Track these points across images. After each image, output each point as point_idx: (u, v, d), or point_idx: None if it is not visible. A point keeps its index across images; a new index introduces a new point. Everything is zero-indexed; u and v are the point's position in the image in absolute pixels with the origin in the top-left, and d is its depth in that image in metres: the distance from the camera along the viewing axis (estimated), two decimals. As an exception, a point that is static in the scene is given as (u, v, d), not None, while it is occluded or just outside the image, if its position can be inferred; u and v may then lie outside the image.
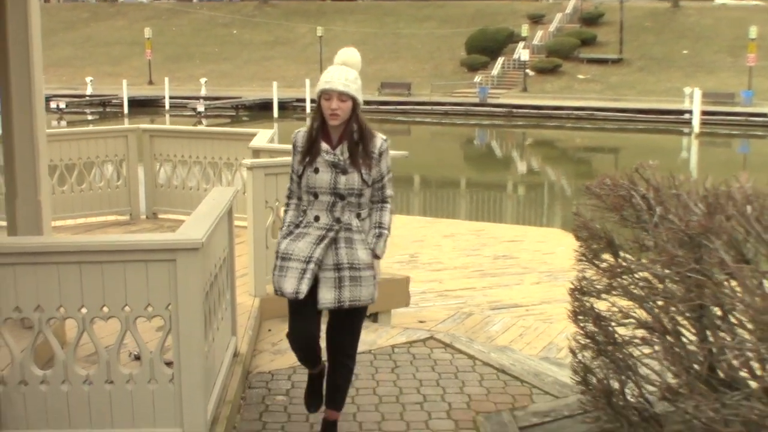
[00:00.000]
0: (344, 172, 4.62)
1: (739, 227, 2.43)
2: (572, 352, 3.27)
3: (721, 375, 2.47)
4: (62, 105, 54.19)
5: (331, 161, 4.62)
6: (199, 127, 33.62)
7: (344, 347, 4.89)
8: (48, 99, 45.86)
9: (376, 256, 4.76)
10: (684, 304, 2.32)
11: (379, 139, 4.74)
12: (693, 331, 2.44)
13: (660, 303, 2.46)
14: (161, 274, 4.23)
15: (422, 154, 41.40)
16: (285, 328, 6.91)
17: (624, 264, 2.75)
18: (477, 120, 53.40)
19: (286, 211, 4.89)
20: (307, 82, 53.09)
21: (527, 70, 59.12)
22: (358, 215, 4.73)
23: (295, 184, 4.81)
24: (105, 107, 58.95)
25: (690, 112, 47.11)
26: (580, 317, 3.11)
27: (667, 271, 2.39)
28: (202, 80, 59.70)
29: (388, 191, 4.86)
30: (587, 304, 3.03)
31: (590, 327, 3.01)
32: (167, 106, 57.53)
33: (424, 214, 22.60)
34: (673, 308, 2.38)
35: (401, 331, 7.00)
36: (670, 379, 2.42)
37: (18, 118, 5.58)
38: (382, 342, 6.61)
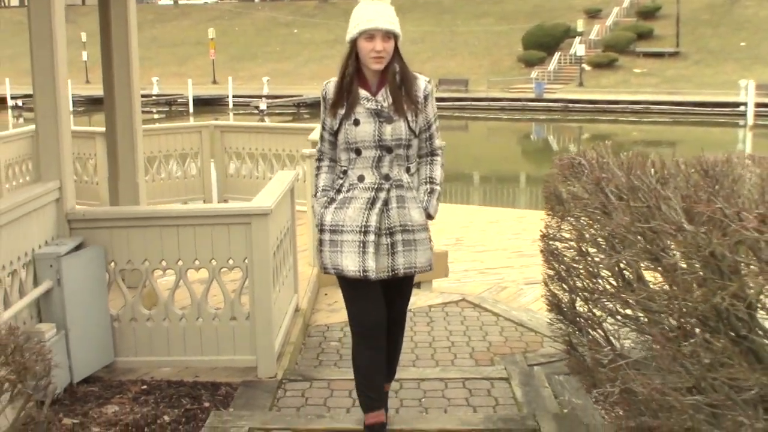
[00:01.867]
0: (389, 120, 4.16)
1: (643, 185, 3.55)
2: (544, 282, 4.42)
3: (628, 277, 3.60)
4: (130, 104, 56.02)
5: (373, 109, 4.17)
6: (265, 123, 35.15)
7: (393, 316, 4.49)
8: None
9: (429, 216, 4.35)
10: (593, 234, 3.45)
11: (423, 80, 4.31)
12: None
13: (581, 233, 3.59)
14: (240, 234, 5.45)
15: (479, 149, 42.55)
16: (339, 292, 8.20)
17: (565, 211, 3.90)
18: (533, 115, 54.18)
19: (317, 176, 4.45)
20: (366, 79, 54.31)
21: (583, 65, 59.68)
22: (408, 169, 4.31)
23: (327, 144, 4.40)
24: (171, 106, 60.86)
25: (745, 104, 47.43)
26: (548, 255, 4.25)
27: (579, 212, 3.53)
28: (265, 79, 61.37)
29: (437, 142, 4.42)
30: (552, 245, 4.16)
31: (553, 262, 4.15)
32: (231, 105, 59.29)
33: (475, 203, 23.68)
34: (588, 236, 3.50)
35: (438, 294, 8.16)
36: (590, 286, 3.56)
37: (120, 114, 6.89)
38: (420, 303, 7.76)
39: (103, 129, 9.87)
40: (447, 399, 5.34)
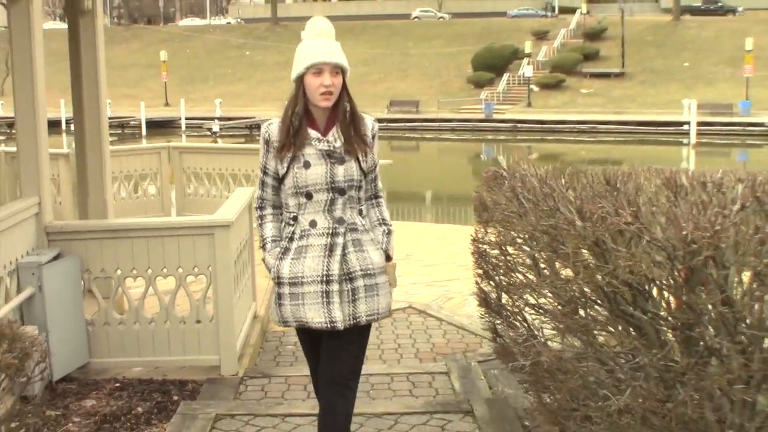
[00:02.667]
0: (341, 161, 3.96)
1: (552, 192, 4.17)
2: (475, 282, 5.02)
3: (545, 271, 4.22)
4: (82, 127, 56.14)
5: (324, 150, 3.95)
6: (221, 144, 35.76)
7: (350, 365, 4.12)
8: (68, 121, 48.29)
9: (389, 257, 4.21)
10: (512, 235, 4.07)
11: (369, 119, 4.13)
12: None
13: (502, 235, 4.21)
14: (204, 244, 6.02)
15: (430, 168, 43.29)
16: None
17: (489, 216, 4.53)
18: (483, 135, 55.01)
19: (261, 225, 4.19)
20: (318, 101, 54.92)
21: (532, 86, 60.71)
22: (360, 212, 4.10)
23: (270, 189, 4.13)
24: (123, 129, 60.85)
25: (688, 123, 48.63)
26: (478, 257, 4.86)
27: (500, 216, 4.15)
28: (217, 101, 61.76)
29: (379, 183, 4.26)
30: (481, 248, 4.78)
31: (481, 262, 4.75)
32: (183, 127, 59.49)
33: (426, 221, 24.33)
34: (508, 236, 4.13)
35: (386, 302, 8.74)
36: (510, 281, 4.17)
37: (90, 135, 7.42)
38: (371, 310, 8.34)
39: (65, 151, 10.40)
40: (392, 390, 5.93)
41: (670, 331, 3.10)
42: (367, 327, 4.14)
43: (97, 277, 6.09)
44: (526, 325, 4.11)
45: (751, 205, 3.45)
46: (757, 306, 3.02)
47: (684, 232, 3.02)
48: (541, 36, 71.44)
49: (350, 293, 3.98)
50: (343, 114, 4.01)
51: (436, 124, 57.11)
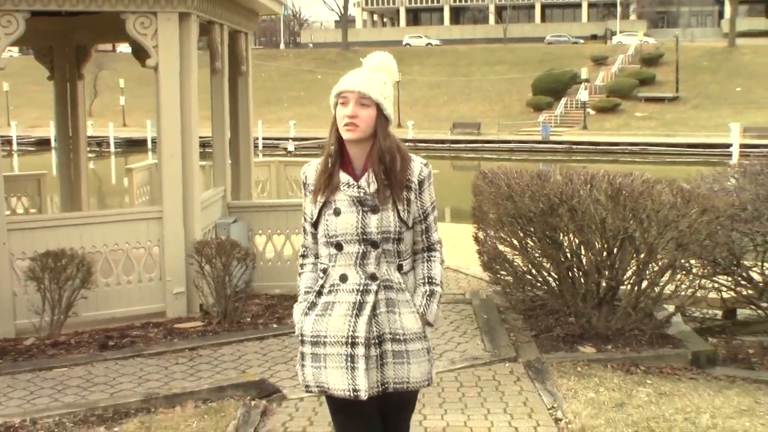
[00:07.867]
0: (374, 210, 3.56)
1: (501, 181, 8.22)
2: (474, 230, 9.03)
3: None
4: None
5: (355, 197, 3.57)
6: (315, 159, 39.93)
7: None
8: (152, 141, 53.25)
9: (428, 323, 3.70)
10: (485, 200, 8.10)
11: (418, 163, 3.64)
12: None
13: (482, 202, 8.25)
14: (319, 214, 10.15)
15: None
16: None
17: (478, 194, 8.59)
18: (540, 156, 57.67)
19: (300, 275, 3.88)
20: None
21: (588, 110, 63.24)
22: (399, 267, 3.68)
23: (310, 237, 3.82)
24: (204, 147, 65.08)
25: (732, 145, 51.30)
26: (475, 215, 8.90)
27: (480, 193, 8.20)
28: (291, 122, 65.80)
29: (435, 235, 3.78)
30: (476, 211, 8.79)
31: (477, 219, 8.78)
32: (260, 146, 63.60)
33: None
34: (483, 201, 8.12)
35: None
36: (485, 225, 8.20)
37: (242, 153, 11.65)
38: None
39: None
40: (430, 301, 9.96)
41: (537, 237, 7.12)
42: (408, 398, 3.84)
43: (256, 234, 10.26)
44: (488, 242, 8.16)
45: (593, 186, 7.42)
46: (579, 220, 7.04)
47: (545, 191, 7.07)
48: (600, 62, 74.12)
49: (378, 358, 3.60)
50: (378, 155, 3.60)
51: (496, 145, 59.71)
